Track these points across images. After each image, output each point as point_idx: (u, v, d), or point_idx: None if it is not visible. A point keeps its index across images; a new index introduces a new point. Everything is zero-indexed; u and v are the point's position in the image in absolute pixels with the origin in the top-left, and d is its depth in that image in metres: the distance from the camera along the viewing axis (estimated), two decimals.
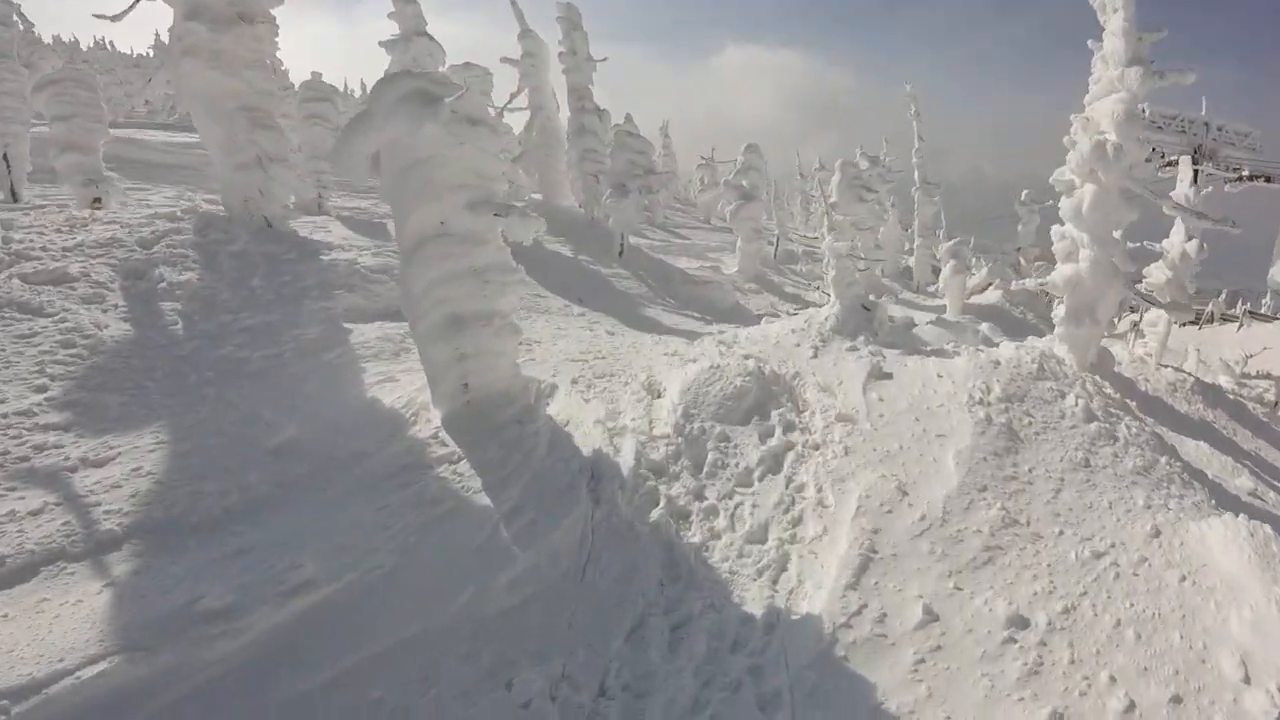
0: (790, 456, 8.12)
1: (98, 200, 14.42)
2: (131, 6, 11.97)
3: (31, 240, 10.37)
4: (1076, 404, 8.90)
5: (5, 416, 6.96)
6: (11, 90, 16.17)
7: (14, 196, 15.66)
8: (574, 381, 9.08)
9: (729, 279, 20.79)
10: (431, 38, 20.93)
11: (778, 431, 8.47)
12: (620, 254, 19.66)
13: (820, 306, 17.47)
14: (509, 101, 23.60)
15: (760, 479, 7.77)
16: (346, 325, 10.01)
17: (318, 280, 10.94)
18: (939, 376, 9.57)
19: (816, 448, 8.27)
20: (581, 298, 14.65)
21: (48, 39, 54.21)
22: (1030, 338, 13.22)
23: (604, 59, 23.98)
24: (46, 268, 9.65)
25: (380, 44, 21.19)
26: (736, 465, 7.89)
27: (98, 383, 7.80)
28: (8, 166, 15.82)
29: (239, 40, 12.07)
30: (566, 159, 24.19)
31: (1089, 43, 10.52)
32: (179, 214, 12.09)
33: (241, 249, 11.31)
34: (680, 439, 8.00)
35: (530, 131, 24.06)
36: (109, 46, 58.33)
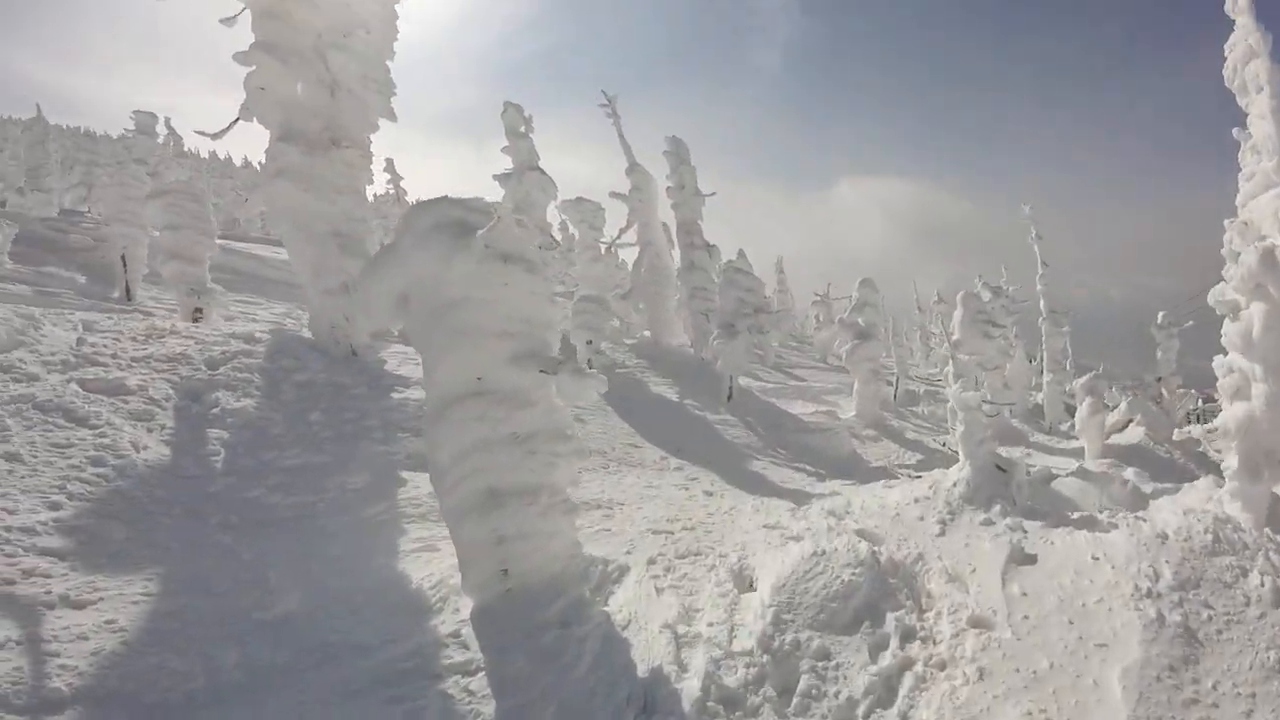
0: (908, 680, 6.34)
1: (199, 310, 14.57)
2: (231, 125, 12.25)
3: (104, 346, 10.26)
4: (1263, 583, 6.90)
5: (8, 529, 6.40)
6: (135, 196, 16.98)
7: (128, 296, 16.26)
8: (650, 562, 7.58)
9: (845, 425, 19.16)
10: (543, 172, 20.76)
11: (893, 643, 6.70)
12: (729, 398, 18.40)
13: (945, 454, 15.65)
14: (618, 237, 23.59)
15: (866, 716, 6.01)
16: (403, 474, 8.98)
17: (383, 419, 10.09)
18: (1094, 559, 7.70)
19: (942, 666, 6.50)
20: (681, 447, 13.27)
21: (204, 154, 58.34)
22: (1184, 486, 11.19)
23: (712, 193, 23.56)
24: (107, 376, 9.40)
25: (494, 178, 21.12)
26: (837, 695, 6.09)
27: (112, 510, 7.10)
28: (125, 267, 16.51)
29: (332, 165, 12.15)
30: (677, 296, 23.62)
31: (1234, 132, 8.68)
32: (257, 334, 11.72)
33: (309, 378, 10.68)
34: (766, 656, 6.27)
35: (639, 268, 23.67)
36: (258, 167, 61.74)
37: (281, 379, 10.44)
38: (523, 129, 20.75)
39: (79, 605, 5.80)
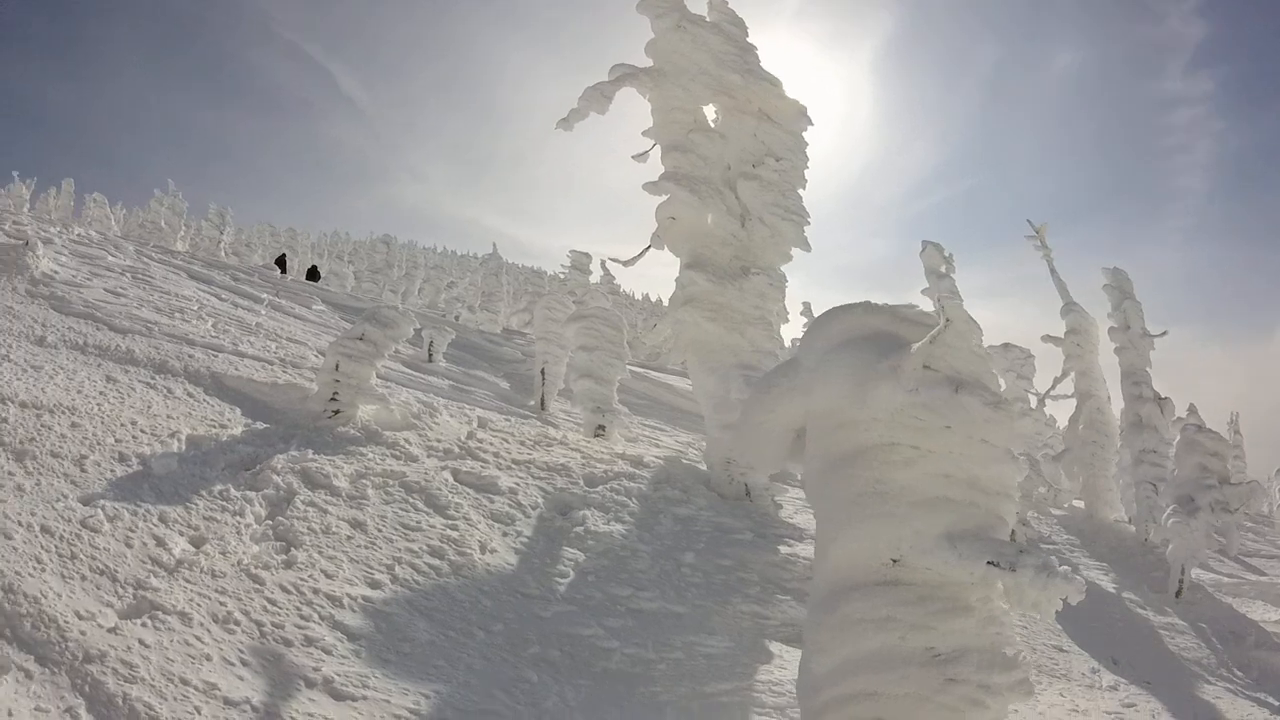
0: None
1: (601, 428, 14.84)
2: (642, 253, 12.61)
3: (491, 443, 10.45)
4: None
5: (316, 592, 6.10)
6: (559, 318, 18.17)
7: (543, 406, 17.43)
8: None
9: None
10: (969, 316, 19.15)
11: None
12: (1178, 594, 14.58)
13: None
14: (1052, 387, 20.81)
15: None
16: (771, 645, 7.54)
17: (763, 575, 8.80)
18: None
19: None
20: (1117, 657, 10.61)
21: (637, 296, 63.46)
22: None
23: (1163, 333, 19.70)
24: (482, 472, 9.36)
25: None
26: None
27: (428, 606, 6.53)
28: (543, 380, 17.78)
29: (742, 294, 11.83)
30: (1117, 460, 19.89)
31: None
32: (647, 459, 11.33)
33: (691, 514, 9.85)
34: None
35: (1076, 424, 20.20)
36: None
37: (662, 510, 9.74)
38: (943, 268, 19.26)
39: (338, 695, 5.11)
